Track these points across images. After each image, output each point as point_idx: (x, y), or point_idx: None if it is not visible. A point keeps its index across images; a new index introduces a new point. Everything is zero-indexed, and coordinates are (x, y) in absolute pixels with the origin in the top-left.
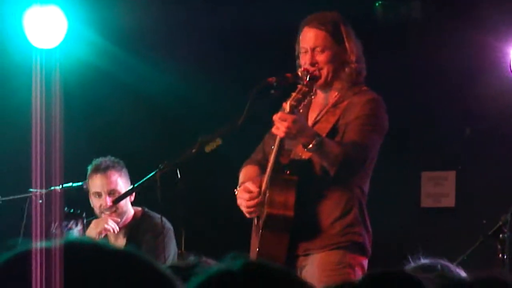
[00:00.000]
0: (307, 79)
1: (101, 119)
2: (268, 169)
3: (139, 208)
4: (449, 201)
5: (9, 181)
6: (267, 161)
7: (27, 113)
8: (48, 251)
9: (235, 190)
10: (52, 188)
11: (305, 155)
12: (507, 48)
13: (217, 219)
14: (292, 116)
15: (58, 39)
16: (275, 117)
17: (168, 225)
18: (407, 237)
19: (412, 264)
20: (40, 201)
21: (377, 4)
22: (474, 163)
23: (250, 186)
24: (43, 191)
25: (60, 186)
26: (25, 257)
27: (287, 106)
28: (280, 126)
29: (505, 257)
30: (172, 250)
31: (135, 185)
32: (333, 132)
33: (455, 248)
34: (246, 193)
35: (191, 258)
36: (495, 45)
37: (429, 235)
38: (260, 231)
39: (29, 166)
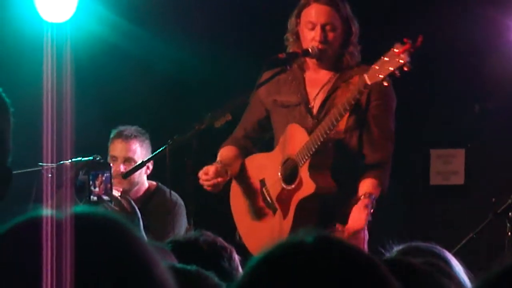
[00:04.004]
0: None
1: (112, 93)
2: (308, 144)
3: (154, 183)
4: (458, 179)
5: (19, 155)
6: (249, 138)
7: (38, 87)
8: (59, 221)
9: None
10: (62, 162)
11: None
12: None
13: (226, 195)
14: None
15: (69, 13)
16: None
17: (180, 201)
18: (416, 215)
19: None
20: (50, 175)
21: None
22: (483, 141)
23: (210, 168)
24: (53, 165)
25: (70, 160)
26: (36, 223)
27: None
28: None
29: None
30: (183, 226)
31: (144, 160)
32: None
33: (464, 226)
34: (203, 173)
35: (192, 233)
36: (506, 22)
37: (438, 213)
38: (294, 206)
39: (39, 140)
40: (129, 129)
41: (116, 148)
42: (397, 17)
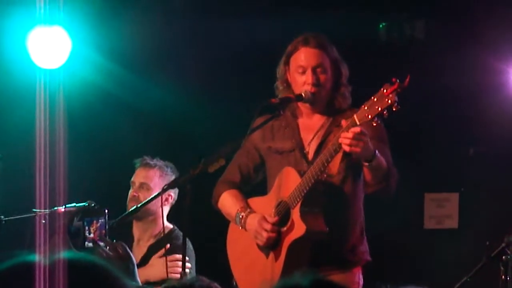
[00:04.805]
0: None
1: (104, 139)
2: (300, 186)
3: (170, 226)
4: (452, 223)
5: (13, 201)
6: (244, 182)
7: (31, 133)
8: (49, 265)
9: (241, 213)
10: (56, 208)
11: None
12: (510, 69)
13: (223, 239)
14: (366, 134)
15: (62, 60)
16: (350, 134)
17: (190, 247)
18: (410, 258)
19: None
20: (44, 221)
21: (381, 25)
22: (477, 185)
23: (269, 218)
24: (47, 211)
25: (64, 207)
26: (27, 267)
27: (362, 119)
28: (356, 142)
29: (508, 278)
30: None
31: (139, 206)
32: None
33: (458, 270)
34: (267, 223)
35: (187, 278)
36: (498, 65)
37: (432, 257)
38: (286, 248)
39: (32, 186)
40: (155, 160)
41: (136, 175)
42: (392, 61)
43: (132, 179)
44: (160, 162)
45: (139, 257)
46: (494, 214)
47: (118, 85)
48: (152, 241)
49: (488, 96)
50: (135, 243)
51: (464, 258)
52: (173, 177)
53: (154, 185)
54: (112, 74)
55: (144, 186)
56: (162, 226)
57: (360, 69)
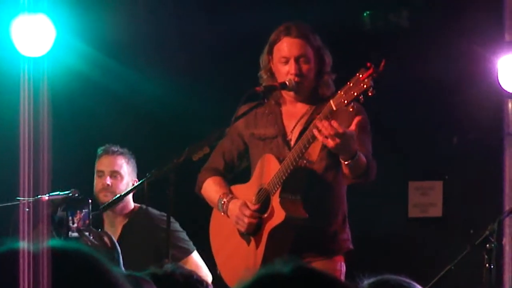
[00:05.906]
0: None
1: (89, 127)
2: (279, 173)
3: (138, 205)
4: (436, 211)
5: None
6: (228, 169)
7: (15, 122)
8: (35, 253)
9: (223, 199)
10: (39, 196)
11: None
12: (494, 58)
13: (206, 226)
14: (348, 133)
15: (46, 48)
16: (329, 129)
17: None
18: (395, 247)
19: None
20: (27, 209)
21: (365, 13)
22: (461, 173)
23: (250, 205)
24: (31, 199)
25: (47, 195)
26: (14, 254)
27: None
28: (332, 140)
29: (492, 267)
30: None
31: (122, 194)
32: None
33: (442, 258)
34: (247, 209)
35: (168, 266)
36: (482, 54)
37: (416, 245)
38: (266, 235)
39: (16, 175)
40: (116, 146)
41: (103, 163)
42: (376, 49)
43: (98, 168)
44: (120, 148)
45: (116, 237)
46: (478, 202)
47: (102, 74)
48: (125, 221)
49: (472, 84)
50: (105, 229)
51: (448, 246)
52: (135, 163)
53: (124, 173)
54: (97, 62)
55: (115, 175)
56: (130, 206)
57: (344, 57)
